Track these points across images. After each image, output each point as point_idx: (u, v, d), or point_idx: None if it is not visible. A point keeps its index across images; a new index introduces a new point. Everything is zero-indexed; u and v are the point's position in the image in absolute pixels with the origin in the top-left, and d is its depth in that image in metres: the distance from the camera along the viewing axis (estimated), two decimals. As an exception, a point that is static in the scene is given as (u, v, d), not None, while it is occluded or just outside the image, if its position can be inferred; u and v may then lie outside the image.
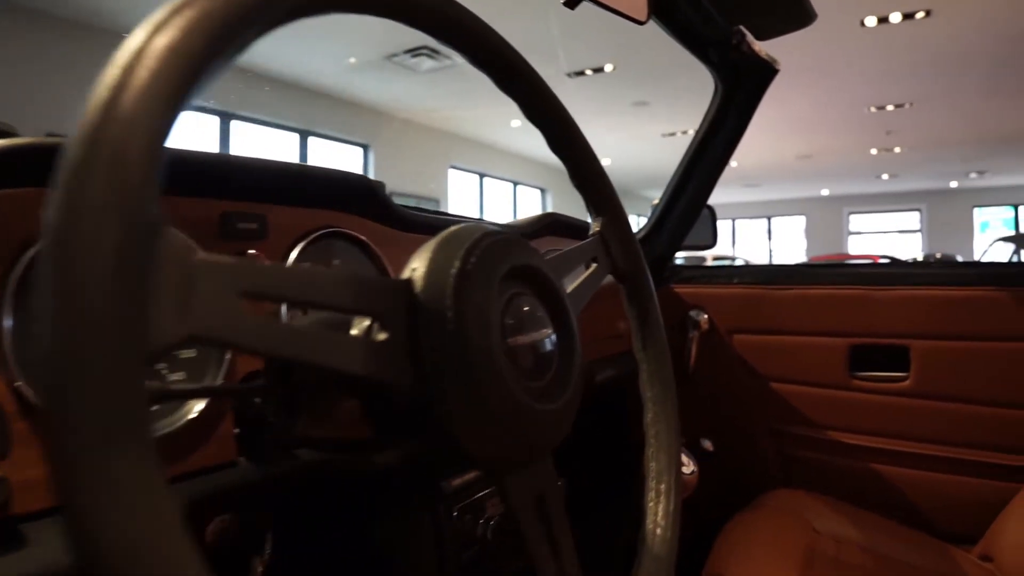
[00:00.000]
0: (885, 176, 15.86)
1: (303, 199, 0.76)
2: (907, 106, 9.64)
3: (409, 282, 0.40)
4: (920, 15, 6.33)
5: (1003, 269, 1.37)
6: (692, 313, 1.61)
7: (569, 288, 0.55)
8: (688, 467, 1.31)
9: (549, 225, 1.29)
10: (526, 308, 0.45)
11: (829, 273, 1.51)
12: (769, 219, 20.28)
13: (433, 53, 7.35)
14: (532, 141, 11.10)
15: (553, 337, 0.47)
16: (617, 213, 0.66)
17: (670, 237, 1.62)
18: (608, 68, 7.87)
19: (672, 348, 1.57)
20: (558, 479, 0.49)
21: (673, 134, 10.89)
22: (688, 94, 8.40)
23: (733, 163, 12.57)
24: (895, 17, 6.37)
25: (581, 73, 8.05)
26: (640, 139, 11.33)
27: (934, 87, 8.70)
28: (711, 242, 1.73)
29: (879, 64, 7.82)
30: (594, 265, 0.63)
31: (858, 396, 1.46)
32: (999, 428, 1.33)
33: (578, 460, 1.49)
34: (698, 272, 1.65)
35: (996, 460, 1.33)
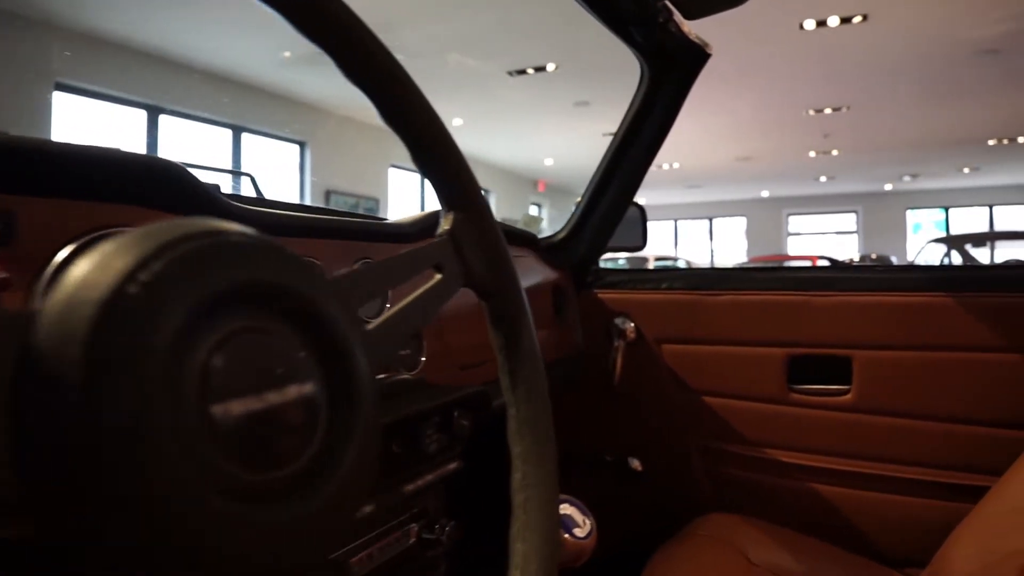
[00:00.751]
0: (823, 178, 16.13)
1: (74, 190, 0.58)
2: (844, 109, 9.79)
3: (30, 317, 0.23)
4: (857, 19, 6.43)
5: (950, 273, 1.29)
6: (617, 321, 1.50)
7: (387, 311, 0.39)
8: (584, 528, 1.10)
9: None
10: (266, 352, 0.28)
11: (765, 278, 1.41)
12: (711, 220, 20.45)
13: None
14: (475, 141, 10.97)
15: (316, 393, 0.30)
16: (478, 209, 0.50)
17: (593, 238, 1.51)
18: (550, 67, 7.75)
19: (596, 359, 1.47)
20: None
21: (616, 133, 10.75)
22: (630, 94, 8.37)
23: (676, 164, 12.73)
24: (833, 21, 6.45)
25: (523, 72, 7.92)
26: (582, 139, 11.17)
27: (870, 91, 8.84)
28: (640, 243, 1.62)
29: (817, 67, 7.90)
30: (437, 276, 0.46)
31: (797, 411, 1.37)
32: (947, 445, 1.25)
33: (480, 500, 1.35)
34: (624, 277, 1.54)
35: (944, 479, 1.25)
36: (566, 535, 0.98)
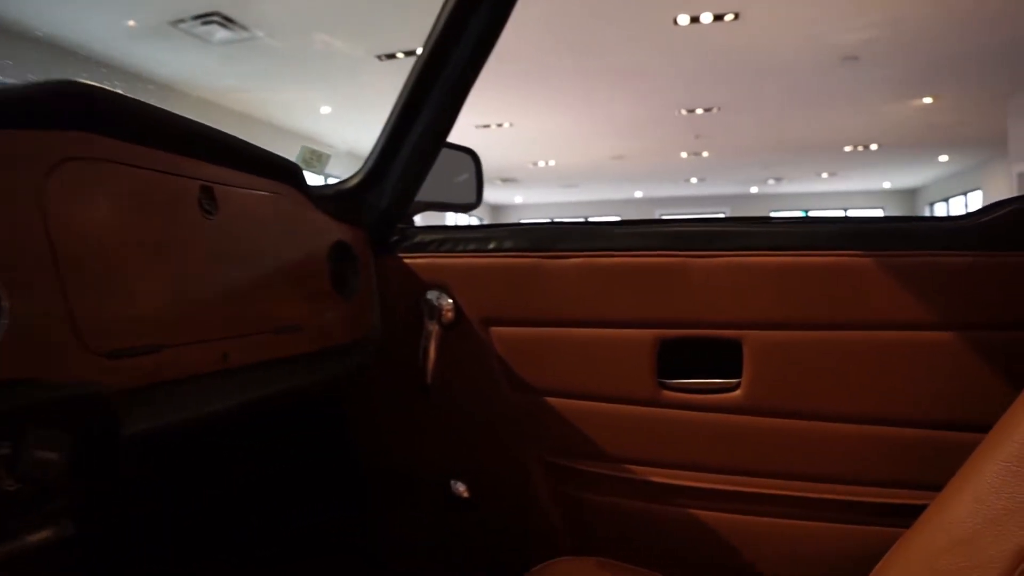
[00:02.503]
0: (694, 180, 16.59)
1: None
2: (715, 110, 9.99)
3: None
4: (730, 17, 6.51)
5: (871, 226, 1.00)
6: (431, 296, 1.12)
7: None
8: None
9: None
10: None
11: (627, 233, 1.08)
12: (586, 220, 20.59)
13: (226, 22, 6.57)
14: (345, 131, 10.47)
15: None
16: None
17: (398, 187, 1.13)
18: (420, 51, 7.38)
19: (401, 348, 1.15)
20: None
21: (488, 126, 10.59)
22: (502, 81, 8.20)
23: (552, 161, 12.76)
24: (707, 17, 6.51)
25: (392, 56, 7.53)
26: (456, 130, 10.79)
27: (739, 92, 9.06)
28: (474, 200, 1.30)
29: (690, 66, 7.99)
30: None
31: (671, 414, 1.06)
32: (870, 454, 0.99)
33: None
34: (439, 236, 1.16)
35: (868, 498, 1.00)
36: None
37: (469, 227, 1.19)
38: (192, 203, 0.71)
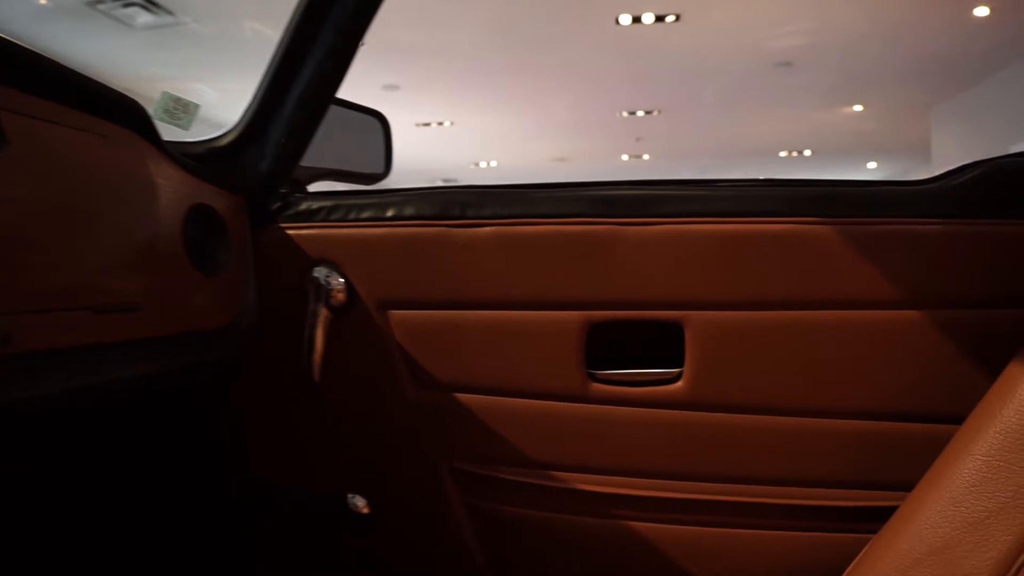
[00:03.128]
0: (634, 183, 16.75)
1: None
2: (655, 113, 10.08)
3: None
4: (671, 19, 6.58)
5: (826, 190, 0.90)
6: (318, 274, 0.95)
7: None
8: None
9: None
10: None
11: (549, 197, 0.94)
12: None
13: (150, 5, 6.29)
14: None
15: None
16: None
17: (283, 144, 0.97)
18: (354, 47, 7.23)
19: (284, 336, 0.98)
20: None
21: (428, 124, 10.44)
22: (443, 78, 8.08)
23: (493, 162, 12.69)
24: (648, 18, 6.55)
25: (325, 47, 7.33)
26: (392, 128, 10.65)
27: (679, 96, 9.17)
28: (382, 170, 1.17)
29: (631, 67, 8.04)
30: None
31: (602, 411, 0.93)
32: (830, 452, 0.89)
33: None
34: (330, 202, 0.99)
35: (830, 501, 0.89)
36: None
37: (364, 192, 1.02)
38: None
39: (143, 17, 6.54)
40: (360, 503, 1.02)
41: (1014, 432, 0.63)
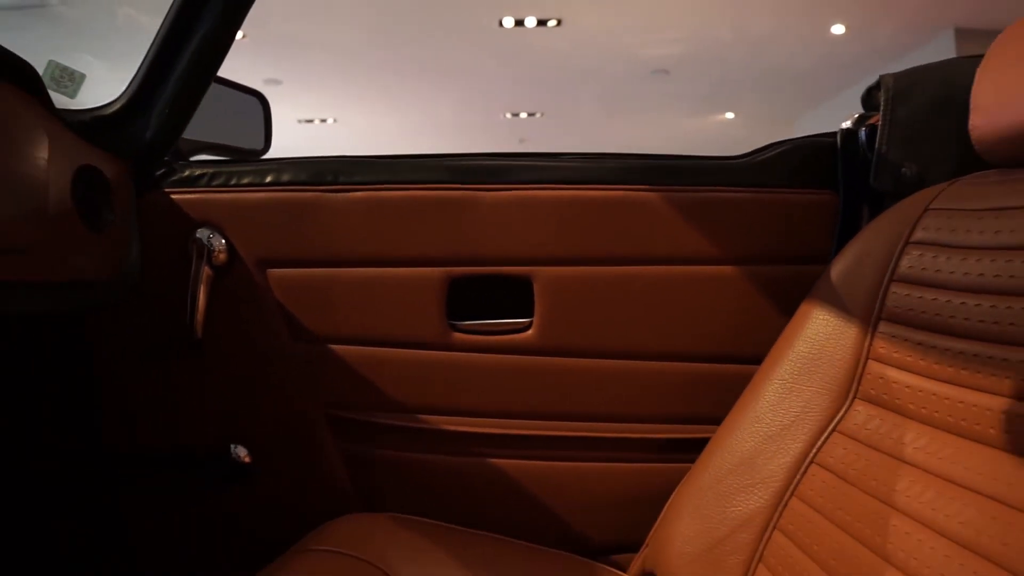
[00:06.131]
0: (518, 185, 16.94)
1: None
2: (538, 115, 10.23)
3: None
4: (553, 23, 6.68)
5: (653, 161, 1.02)
6: (200, 235, 1.02)
7: None
8: None
9: None
10: None
11: (414, 165, 1.03)
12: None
13: (7, -16, 5.88)
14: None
15: None
16: None
17: (166, 115, 1.01)
18: (237, 34, 6.98)
19: (166, 295, 1.05)
20: None
21: (311, 120, 10.25)
22: (327, 74, 7.96)
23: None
24: (531, 21, 6.64)
25: (207, 38, 7.06)
26: (274, 123, 10.38)
27: (561, 99, 9.33)
28: (262, 145, 1.23)
29: (514, 69, 8.13)
30: None
31: (463, 358, 1.03)
32: (657, 389, 1.02)
33: None
34: (212, 169, 1.05)
35: (658, 434, 1.02)
36: None
37: (244, 161, 1.08)
38: None
39: (-1, -3, 6.13)
40: (242, 452, 1.07)
41: (803, 359, 0.78)
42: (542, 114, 10.14)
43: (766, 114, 10.06)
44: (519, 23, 6.64)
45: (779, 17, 6.51)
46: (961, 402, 0.60)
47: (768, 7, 6.25)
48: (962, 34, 6.85)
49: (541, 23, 6.64)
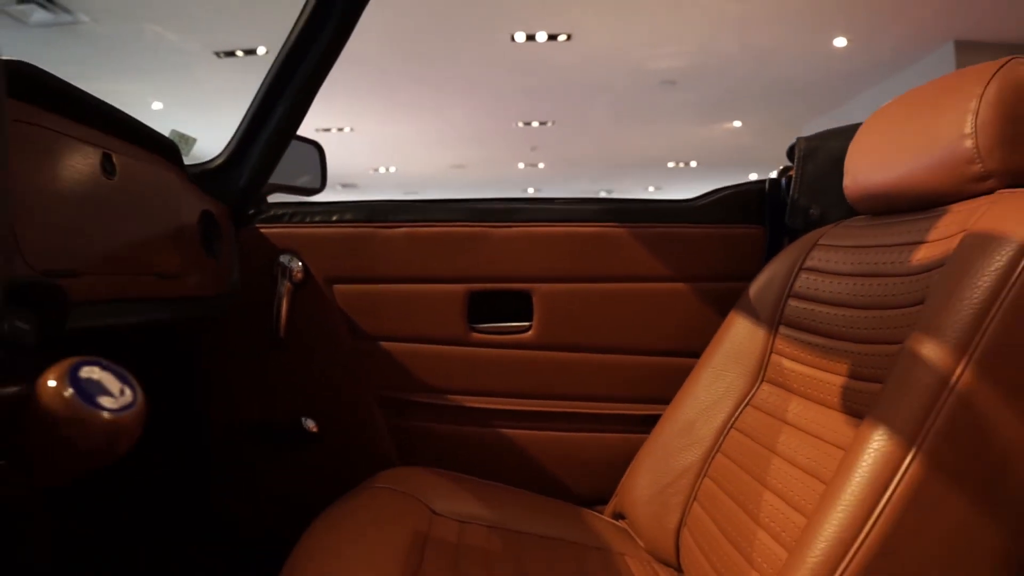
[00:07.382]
0: (531, 189, 17.08)
1: None
2: (550, 124, 10.43)
3: None
4: (563, 38, 6.89)
5: (623, 205, 1.34)
6: (283, 259, 1.34)
7: None
8: (119, 399, 0.51)
9: None
10: None
11: (443, 208, 1.35)
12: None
13: (47, 3, 6.15)
14: (178, 129, 9.97)
15: None
16: None
17: (255, 168, 1.32)
18: (261, 51, 7.28)
19: (259, 307, 1.36)
20: None
21: (328, 129, 10.48)
22: (344, 85, 8.18)
23: (392, 168, 12.63)
24: (541, 36, 6.85)
25: (232, 53, 7.36)
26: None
27: (572, 108, 9.53)
28: (319, 185, 1.54)
29: (526, 81, 8.34)
30: None
31: (479, 352, 1.35)
32: (623, 377, 1.33)
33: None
34: (290, 209, 1.38)
35: (622, 411, 1.33)
36: (92, 408, 0.49)
37: (316, 203, 1.40)
38: (98, 166, 0.86)
39: (38, 14, 6.35)
40: (311, 424, 1.39)
41: (728, 353, 1.09)
42: (553, 123, 10.33)
43: (772, 122, 10.21)
44: (531, 38, 6.85)
45: (782, 30, 6.70)
46: (821, 381, 0.87)
47: (771, 21, 6.44)
48: (961, 46, 6.96)
49: (551, 38, 6.85)
